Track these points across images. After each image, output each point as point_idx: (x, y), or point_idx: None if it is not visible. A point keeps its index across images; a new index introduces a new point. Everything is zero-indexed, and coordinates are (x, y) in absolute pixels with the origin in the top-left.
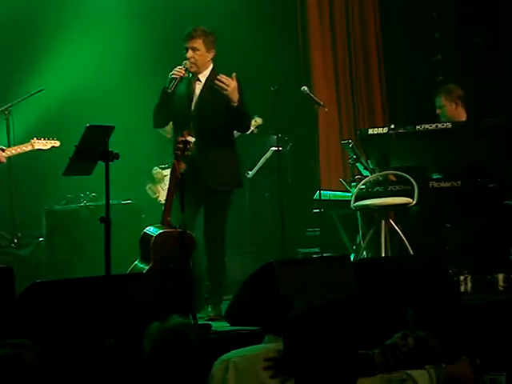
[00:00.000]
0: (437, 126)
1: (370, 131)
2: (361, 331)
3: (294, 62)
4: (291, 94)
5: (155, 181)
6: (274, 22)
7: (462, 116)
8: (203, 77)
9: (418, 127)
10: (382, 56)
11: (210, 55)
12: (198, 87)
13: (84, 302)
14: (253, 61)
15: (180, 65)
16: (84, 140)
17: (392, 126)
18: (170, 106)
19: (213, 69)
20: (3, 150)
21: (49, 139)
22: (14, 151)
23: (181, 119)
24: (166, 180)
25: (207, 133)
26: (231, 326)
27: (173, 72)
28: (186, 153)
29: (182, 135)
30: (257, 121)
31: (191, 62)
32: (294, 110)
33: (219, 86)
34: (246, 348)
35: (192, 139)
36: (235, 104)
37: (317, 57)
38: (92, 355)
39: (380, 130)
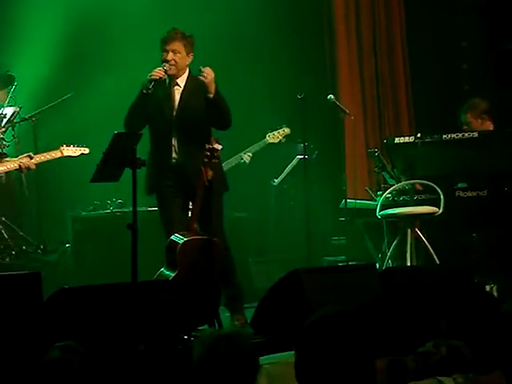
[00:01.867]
0: (463, 135)
1: (397, 140)
2: (387, 338)
3: (320, 70)
4: (318, 102)
5: None
6: (302, 32)
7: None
8: (182, 81)
9: (444, 136)
10: (408, 65)
11: (189, 59)
12: (178, 92)
13: (110, 308)
14: (281, 71)
15: (159, 66)
16: (111, 147)
17: (418, 135)
18: (146, 109)
19: (189, 73)
20: (31, 157)
21: (78, 146)
22: (43, 157)
23: (160, 124)
24: None
25: (190, 138)
26: (256, 333)
27: (152, 73)
28: (213, 160)
29: (210, 142)
30: (285, 130)
31: (171, 65)
32: (321, 119)
33: (202, 75)
34: (278, 354)
35: (219, 147)
36: (211, 95)
37: (343, 65)
38: (123, 361)
39: (406, 139)
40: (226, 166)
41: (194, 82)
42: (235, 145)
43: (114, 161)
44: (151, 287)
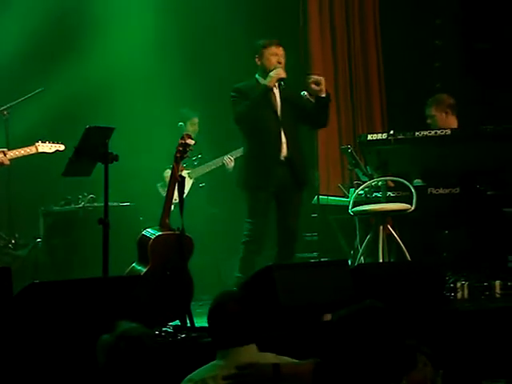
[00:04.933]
0: (436, 132)
1: (369, 137)
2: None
3: (294, 68)
4: None
5: (166, 182)
6: (276, 32)
7: (453, 124)
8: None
9: (417, 133)
10: (381, 62)
11: None
12: (276, 93)
13: (81, 303)
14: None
15: (274, 69)
16: (84, 141)
17: (391, 132)
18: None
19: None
20: (5, 154)
21: (53, 143)
22: (17, 153)
23: (264, 122)
24: None
25: (293, 137)
26: None
27: (279, 72)
28: (185, 155)
29: (183, 138)
30: None
31: (282, 68)
32: None
33: (315, 84)
34: (203, 368)
35: (192, 142)
36: (324, 94)
37: (317, 62)
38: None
39: (379, 136)
40: (206, 167)
41: (285, 89)
42: (220, 148)
43: (86, 155)
44: (122, 282)
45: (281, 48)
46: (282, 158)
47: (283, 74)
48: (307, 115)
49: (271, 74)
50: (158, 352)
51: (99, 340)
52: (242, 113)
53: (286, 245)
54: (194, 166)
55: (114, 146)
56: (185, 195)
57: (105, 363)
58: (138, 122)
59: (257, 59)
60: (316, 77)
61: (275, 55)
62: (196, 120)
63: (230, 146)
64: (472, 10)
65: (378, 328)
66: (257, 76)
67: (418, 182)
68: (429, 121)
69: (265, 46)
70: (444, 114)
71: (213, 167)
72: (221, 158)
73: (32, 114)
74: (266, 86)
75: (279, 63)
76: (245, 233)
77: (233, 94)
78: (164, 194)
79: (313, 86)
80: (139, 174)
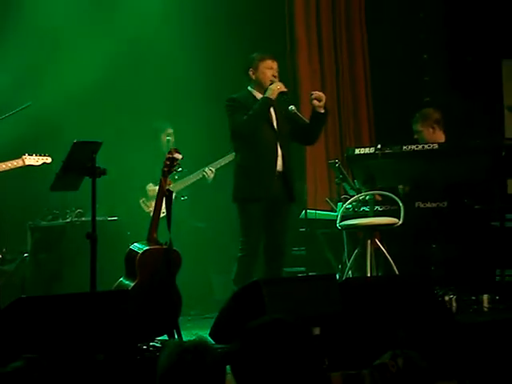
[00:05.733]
0: (423, 146)
1: (357, 151)
2: (347, 348)
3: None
4: None
5: (148, 196)
6: (263, 45)
7: (441, 139)
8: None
9: (404, 148)
10: (369, 76)
11: None
12: (272, 110)
13: (68, 318)
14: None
15: (272, 82)
16: (71, 156)
17: (379, 146)
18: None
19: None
20: None
21: (40, 155)
22: (4, 166)
23: (267, 134)
24: None
25: (288, 150)
26: (216, 343)
27: (280, 86)
28: (172, 169)
29: (170, 152)
30: None
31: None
32: None
33: (317, 100)
34: None
35: (179, 156)
36: (323, 110)
37: (304, 75)
38: (82, 370)
39: (367, 150)
40: (187, 180)
41: (279, 102)
42: (200, 160)
43: (73, 169)
44: (110, 297)
45: (275, 62)
46: (278, 172)
47: (284, 88)
48: (299, 130)
49: (271, 86)
50: (216, 370)
51: (167, 343)
52: (241, 123)
53: (274, 259)
54: (175, 180)
55: (104, 159)
56: None
57: (166, 370)
58: (128, 135)
59: (251, 72)
60: (318, 93)
61: (270, 69)
62: (170, 130)
63: (210, 158)
64: (457, 25)
65: (284, 343)
66: (249, 88)
67: (400, 188)
68: (416, 136)
69: (260, 60)
70: (431, 129)
71: (193, 180)
72: (201, 170)
73: (16, 126)
74: (267, 98)
75: (274, 77)
76: (240, 247)
77: (229, 103)
78: (146, 209)
79: (315, 101)
80: (126, 189)
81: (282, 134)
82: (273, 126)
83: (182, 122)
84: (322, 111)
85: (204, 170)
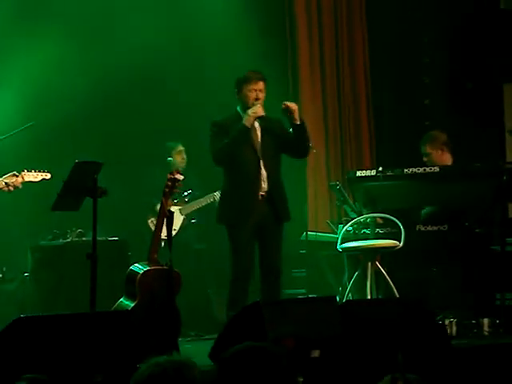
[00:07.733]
0: (424, 169)
1: (358, 173)
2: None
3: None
4: None
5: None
6: (265, 63)
7: (449, 161)
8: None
9: (405, 170)
10: (370, 99)
11: None
12: (257, 128)
13: (68, 338)
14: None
15: (252, 106)
16: (72, 176)
17: (380, 169)
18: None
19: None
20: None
21: (39, 171)
22: (3, 183)
23: (249, 156)
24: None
25: (274, 171)
26: (215, 364)
27: (256, 111)
28: (174, 190)
29: (172, 173)
30: None
31: (261, 105)
32: None
33: (288, 110)
34: None
35: (181, 177)
36: (298, 122)
37: (306, 98)
38: None
39: (368, 173)
40: (197, 204)
41: (265, 119)
42: (210, 183)
43: (74, 190)
44: (110, 317)
45: (260, 83)
46: (262, 193)
47: (261, 112)
48: (287, 143)
49: (248, 112)
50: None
51: (149, 360)
52: (219, 151)
53: (271, 281)
54: (186, 202)
55: (102, 180)
56: (176, 231)
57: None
58: (126, 156)
59: (236, 94)
60: (288, 103)
61: (253, 91)
62: (181, 147)
63: (221, 182)
64: (459, 49)
65: (255, 370)
66: (238, 109)
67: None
68: (425, 159)
69: (244, 81)
70: (440, 151)
71: (204, 203)
72: (211, 194)
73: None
74: (243, 125)
75: (257, 99)
76: (231, 271)
77: (211, 128)
78: (153, 228)
79: (289, 114)
80: (128, 209)
81: (267, 153)
82: (254, 147)
83: (195, 144)
84: (298, 122)
85: (214, 194)
